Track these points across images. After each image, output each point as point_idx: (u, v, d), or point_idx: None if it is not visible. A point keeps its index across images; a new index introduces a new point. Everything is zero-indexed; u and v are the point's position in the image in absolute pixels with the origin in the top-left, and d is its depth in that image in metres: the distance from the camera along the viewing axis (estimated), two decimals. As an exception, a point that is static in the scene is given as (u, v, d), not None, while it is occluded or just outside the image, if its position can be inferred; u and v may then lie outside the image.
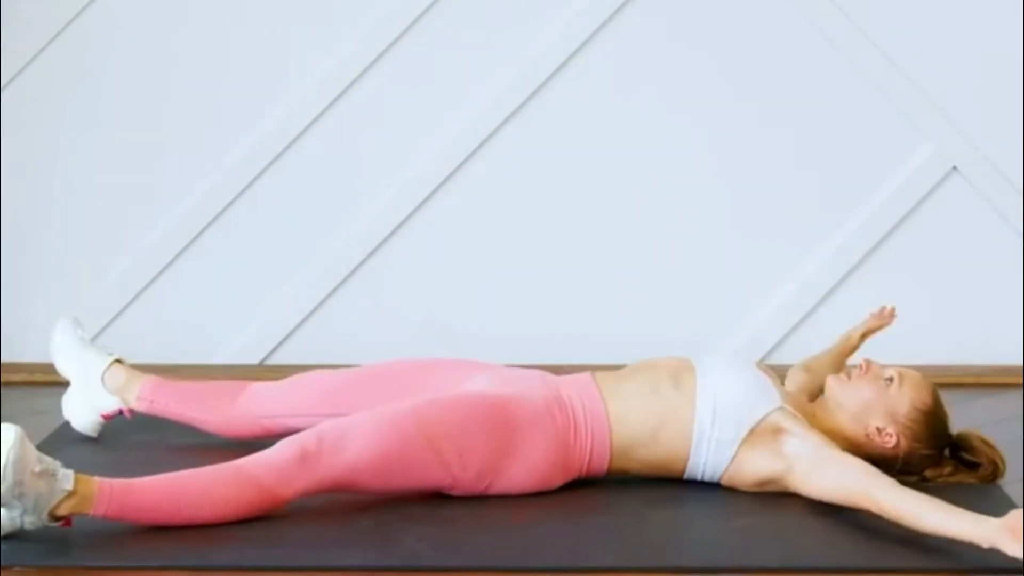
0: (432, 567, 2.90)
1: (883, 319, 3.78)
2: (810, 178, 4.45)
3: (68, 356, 3.63)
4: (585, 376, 3.35)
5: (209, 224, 4.46)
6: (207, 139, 4.44)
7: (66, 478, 2.93)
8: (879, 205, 4.43)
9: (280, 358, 4.47)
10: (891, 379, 3.35)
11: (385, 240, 4.45)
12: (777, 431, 3.21)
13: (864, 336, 3.76)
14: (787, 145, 4.43)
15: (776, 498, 3.25)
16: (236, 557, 2.91)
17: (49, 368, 4.33)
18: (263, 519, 3.07)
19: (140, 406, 3.57)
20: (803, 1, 4.38)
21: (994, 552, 2.91)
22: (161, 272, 4.47)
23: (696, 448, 3.25)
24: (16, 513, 2.92)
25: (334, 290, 4.48)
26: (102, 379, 3.59)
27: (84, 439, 3.62)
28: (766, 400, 3.25)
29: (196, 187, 4.45)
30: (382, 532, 3.05)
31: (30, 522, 2.93)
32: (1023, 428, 3.87)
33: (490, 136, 4.39)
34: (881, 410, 3.32)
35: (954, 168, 4.43)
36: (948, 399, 4.07)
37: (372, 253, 4.47)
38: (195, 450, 3.53)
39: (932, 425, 3.34)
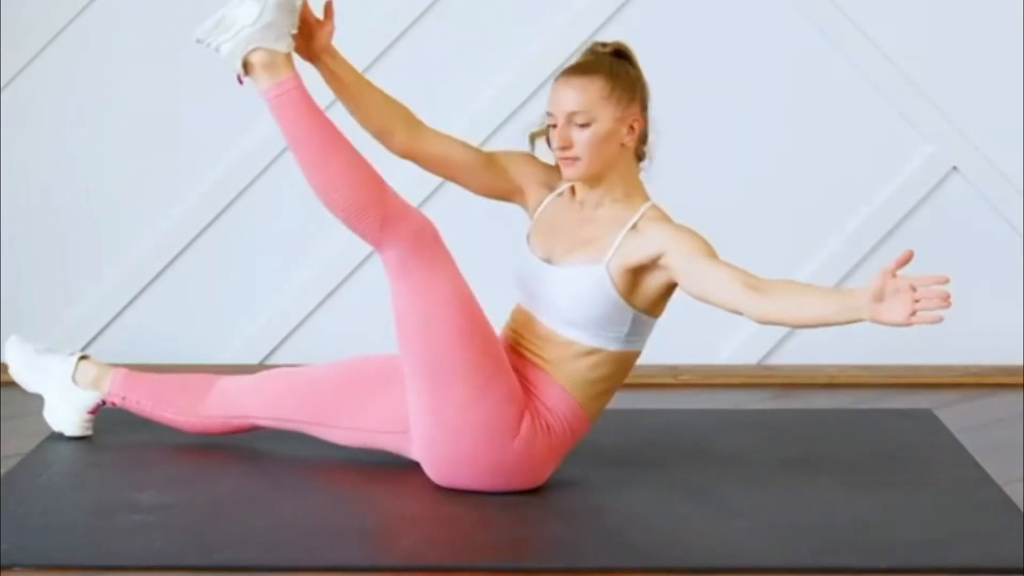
0: (432, 567, 2.90)
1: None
2: (810, 178, 4.45)
3: (31, 370, 3.62)
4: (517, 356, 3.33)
5: (209, 224, 4.46)
6: (207, 138, 4.44)
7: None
8: (879, 205, 4.43)
9: (280, 358, 4.48)
10: (578, 123, 3.24)
11: (385, 240, 4.45)
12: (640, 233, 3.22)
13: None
14: (787, 145, 4.43)
15: (776, 498, 3.25)
16: (236, 557, 2.92)
17: (49, 368, 4.34)
18: (263, 519, 3.07)
19: (113, 402, 3.58)
20: (803, 1, 4.38)
21: (994, 552, 2.91)
22: (161, 272, 4.48)
23: (621, 344, 3.25)
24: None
25: (334, 290, 4.48)
26: (73, 379, 3.59)
27: (82, 439, 3.61)
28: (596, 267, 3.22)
29: (196, 187, 4.46)
30: (382, 532, 3.05)
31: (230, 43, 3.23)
32: (1023, 428, 3.87)
33: (490, 136, 4.40)
34: (608, 128, 3.25)
35: (954, 168, 4.43)
36: (948, 399, 4.09)
37: (372, 253, 4.47)
38: (196, 450, 3.53)
39: (617, 78, 3.28)
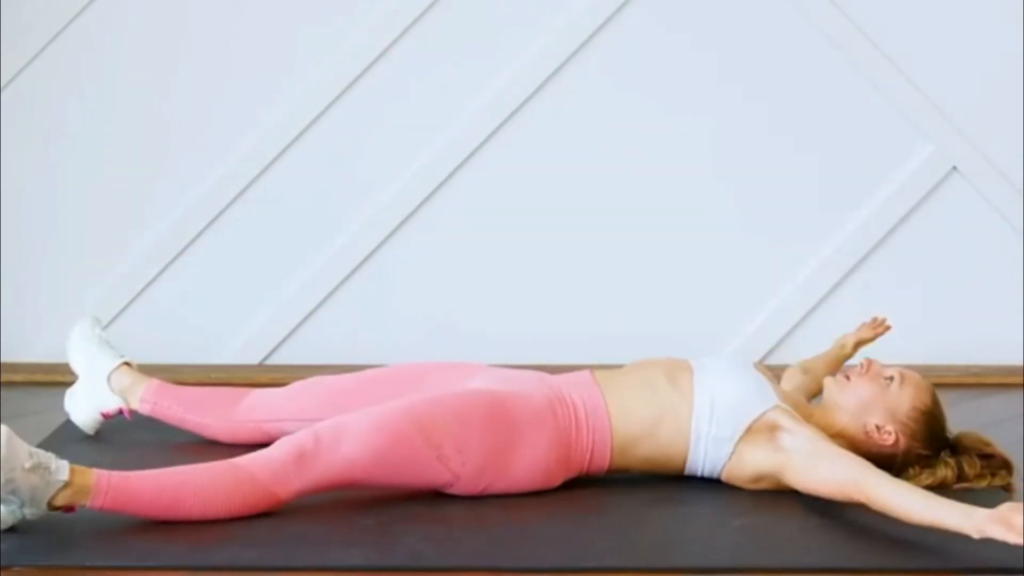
0: (432, 567, 2.90)
1: (876, 329, 3.79)
2: (810, 178, 4.45)
3: (80, 351, 3.65)
4: (585, 374, 3.36)
5: (209, 224, 4.46)
6: (207, 139, 4.44)
7: (60, 469, 2.94)
8: (879, 205, 4.43)
9: (280, 358, 4.48)
10: (891, 378, 3.35)
11: (385, 240, 4.45)
12: (773, 427, 3.22)
13: (857, 345, 3.79)
14: (787, 145, 4.43)
15: (776, 498, 3.25)
16: (236, 557, 2.91)
17: (49, 368, 4.34)
18: (263, 519, 3.07)
19: (143, 408, 3.59)
20: (803, 1, 4.38)
21: (994, 552, 2.91)
22: (161, 272, 4.48)
23: (695, 445, 3.26)
24: (15, 507, 2.93)
25: (334, 290, 4.48)
26: (108, 378, 3.61)
27: (84, 438, 3.62)
28: (763, 398, 3.26)
29: (196, 187, 4.46)
30: (382, 532, 3.05)
31: (31, 513, 2.94)
32: (1023, 428, 3.87)
33: (490, 136, 4.40)
34: (880, 408, 3.32)
35: (954, 168, 4.43)
36: (948, 399, 4.08)
37: (372, 253, 4.47)
38: (195, 450, 3.53)
39: (930, 425, 3.35)
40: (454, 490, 3.22)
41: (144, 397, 3.59)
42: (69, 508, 2.98)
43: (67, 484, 2.95)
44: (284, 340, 4.49)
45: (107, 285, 4.48)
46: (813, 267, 4.44)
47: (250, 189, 4.45)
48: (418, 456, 3.16)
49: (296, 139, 4.42)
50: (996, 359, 4.43)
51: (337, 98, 4.43)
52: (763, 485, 3.26)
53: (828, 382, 3.39)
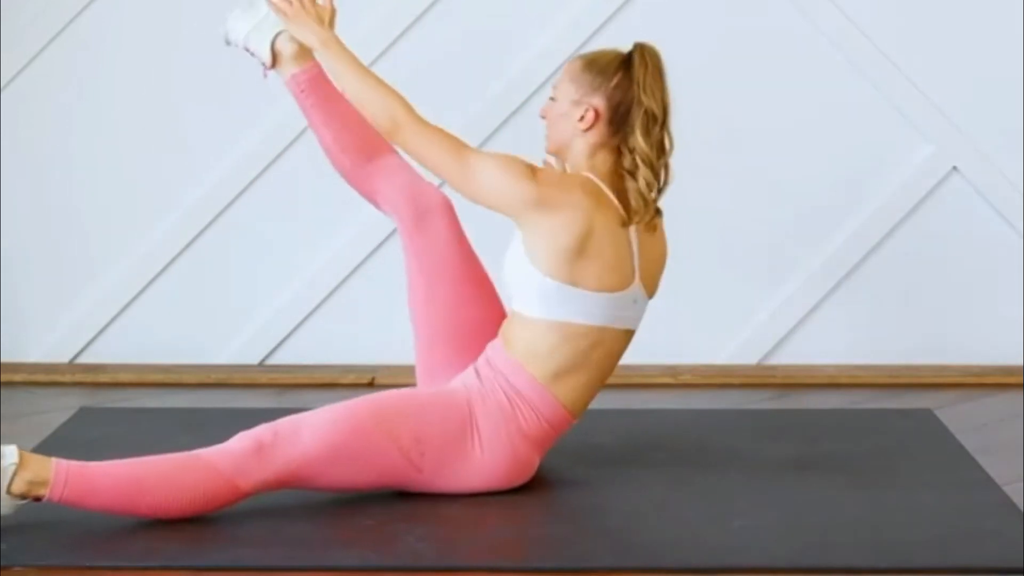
0: (432, 567, 2.90)
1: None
2: (810, 178, 4.45)
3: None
4: (499, 347, 3.32)
5: (209, 224, 4.46)
6: (207, 139, 4.44)
7: (9, 453, 2.95)
8: (879, 205, 4.43)
9: (280, 358, 4.48)
10: (553, 97, 3.32)
11: (385, 240, 4.45)
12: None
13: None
14: (787, 145, 4.43)
15: (776, 498, 3.25)
16: (236, 557, 2.91)
17: (49, 368, 4.35)
18: (263, 519, 3.07)
19: (292, 87, 3.48)
20: (804, 2, 4.38)
21: (994, 552, 2.91)
22: (161, 272, 4.47)
23: (558, 313, 3.24)
24: None
25: (334, 290, 4.48)
26: (272, 31, 3.46)
27: (83, 441, 3.61)
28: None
29: (196, 187, 4.46)
30: (382, 532, 3.05)
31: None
32: (1023, 428, 3.87)
33: (490, 136, 4.40)
34: (569, 114, 3.29)
35: (954, 168, 4.43)
36: (948, 399, 4.09)
37: (372, 253, 4.47)
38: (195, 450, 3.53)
39: (591, 67, 3.31)
40: (421, 488, 3.21)
41: (297, 75, 3.47)
42: (36, 497, 2.97)
43: (22, 467, 2.95)
44: (284, 340, 4.49)
45: (107, 285, 4.48)
46: (813, 267, 4.44)
47: (250, 189, 4.45)
48: (378, 447, 3.16)
49: (296, 139, 4.42)
50: (996, 359, 4.42)
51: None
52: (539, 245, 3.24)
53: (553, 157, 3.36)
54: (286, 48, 3.45)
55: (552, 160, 3.38)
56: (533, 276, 3.23)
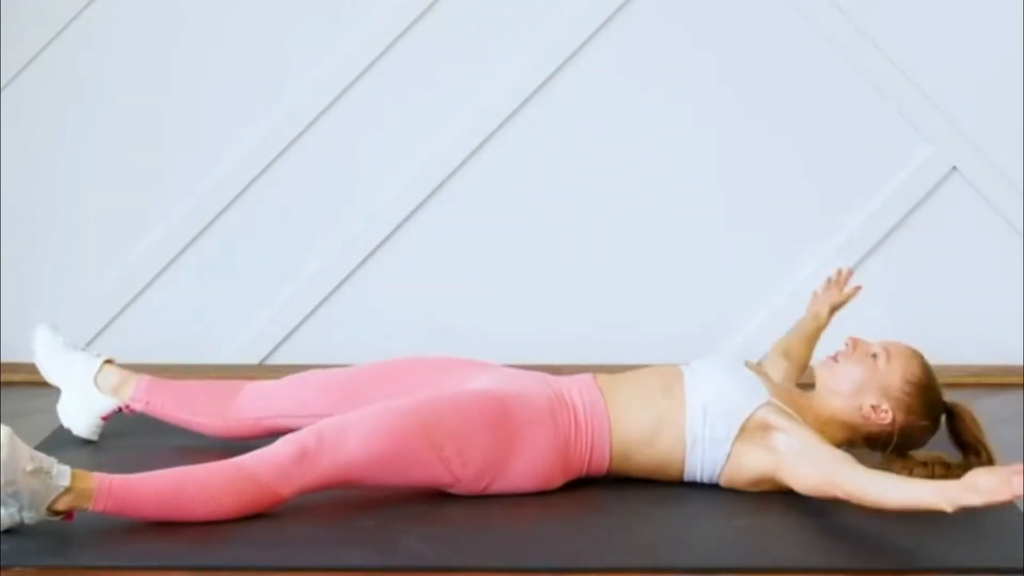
0: (432, 567, 2.90)
1: (844, 287, 3.74)
2: (810, 178, 4.45)
3: (55, 363, 3.59)
4: (587, 377, 3.35)
5: (209, 224, 4.46)
6: (207, 139, 4.44)
7: (61, 475, 2.93)
8: (879, 205, 4.43)
9: (280, 358, 4.47)
10: (877, 355, 3.33)
11: (385, 240, 4.45)
12: (766, 427, 3.22)
13: (833, 311, 3.74)
14: (787, 145, 4.43)
15: (776, 498, 3.25)
16: (236, 557, 2.91)
17: (49, 368, 4.33)
18: (263, 519, 3.07)
19: (135, 406, 3.56)
20: (804, 2, 4.38)
21: (994, 552, 2.91)
22: (161, 272, 4.48)
23: (691, 449, 3.26)
24: (14, 510, 2.92)
25: (334, 290, 4.48)
26: (95, 381, 3.57)
27: (83, 442, 3.61)
28: (754, 396, 3.26)
29: (196, 187, 4.46)
30: (382, 532, 3.05)
31: (29, 517, 2.93)
32: (1023, 428, 3.86)
33: (490, 137, 4.40)
34: (873, 387, 3.30)
35: (954, 168, 4.43)
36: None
37: (372, 253, 4.47)
38: (196, 451, 3.53)
39: (925, 395, 3.33)
40: (454, 490, 3.22)
41: (135, 395, 3.55)
42: (68, 515, 2.96)
43: (68, 489, 2.94)
44: (284, 340, 4.49)
45: (107, 285, 4.48)
46: (813, 267, 4.44)
47: (250, 189, 4.45)
48: (420, 457, 3.16)
49: (296, 139, 4.42)
50: (996, 359, 4.42)
51: (338, 97, 4.43)
52: (763, 487, 3.26)
53: (818, 368, 3.37)
54: (107, 383, 3.54)
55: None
56: (720, 449, 3.26)
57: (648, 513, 3.18)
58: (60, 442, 3.58)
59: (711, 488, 3.30)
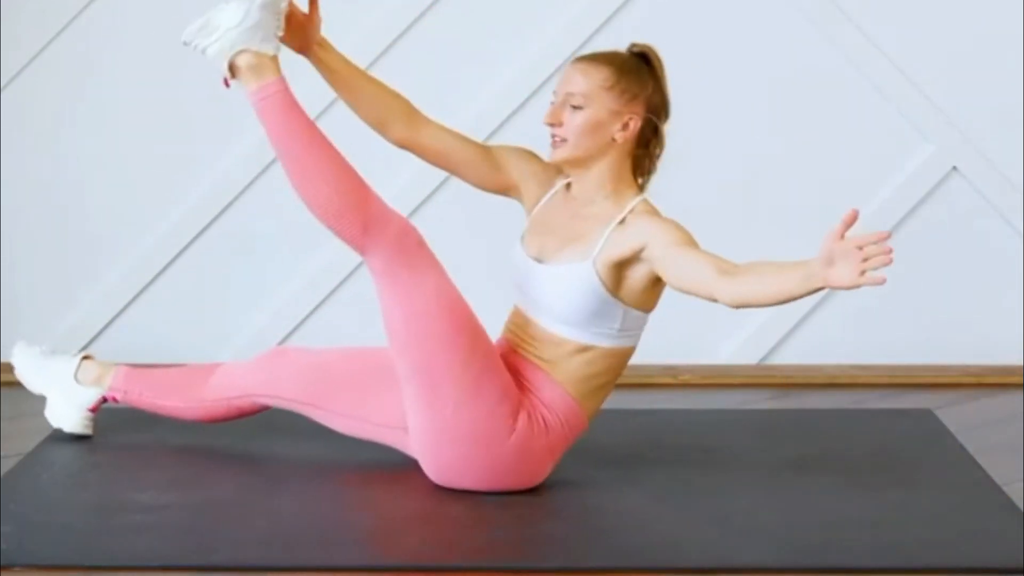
0: (432, 567, 2.90)
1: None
2: (810, 178, 4.45)
3: (35, 373, 3.63)
4: (521, 358, 3.32)
5: (209, 224, 4.46)
6: (207, 139, 4.44)
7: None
8: (879, 205, 4.43)
9: (280, 358, 4.47)
10: (573, 105, 3.24)
11: (385, 240, 4.45)
12: (621, 255, 3.20)
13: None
14: (787, 145, 4.43)
15: (775, 498, 3.25)
16: (236, 557, 2.92)
17: (49, 368, 4.33)
18: (262, 519, 3.07)
19: (116, 396, 3.59)
20: (804, 2, 4.38)
21: (994, 552, 2.91)
22: (161, 272, 4.48)
23: (614, 340, 3.25)
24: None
25: (334, 290, 4.48)
26: (75, 378, 3.59)
27: (82, 439, 3.62)
28: (585, 257, 3.21)
29: (196, 187, 4.46)
30: (382, 532, 3.05)
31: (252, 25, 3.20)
32: (1023, 428, 3.87)
33: (490, 136, 4.39)
34: (596, 118, 3.23)
35: (954, 168, 4.43)
36: (948, 399, 4.09)
37: (372, 253, 4.47)
38: (195, 450, 3.53)
39: (624, 74, 3.25)
40: (429, 443, 3.22)
41: (113, 385, 3.58)
42: (226, 82, 3.23)
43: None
44: (284, 340, 4.49)
45: (107, 285, 4.48)
46: (813, 267, 4.44)
47: (250, 189, 4.45)
48: (437, 352, 3.19)
49: (296, 139, 4.42)
50: (996, 359, 4.42)
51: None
52: (635, 275, 3.22)
53: (555, 158, 3.28)
54: (87, 376, 3.60)
55: (573, 184, 3.33)
56: (615, 308, 3.23)
57: (648, 513, 3.19)
58: (60, 442, 3.59)
59: (711, 488, 3.30)
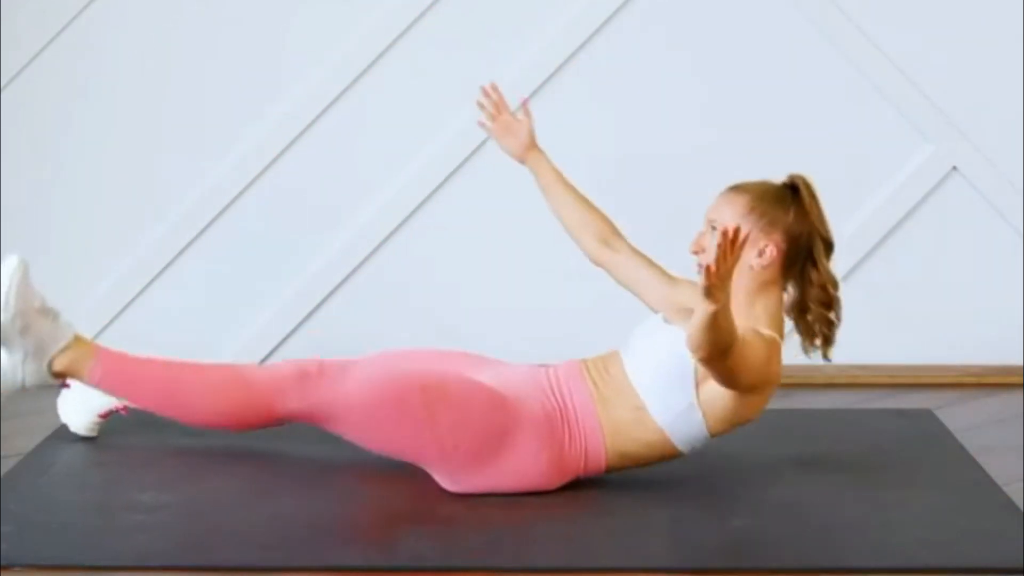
0: (432, 567, 2.90)
1: (502, 107, 3.60)
2: (810, 178, 4.45)
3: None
4: (576, 367, 3.32)
5: (209, 224, 4.46)
6: (207, 139, 4.44)
7: (68, 325, 2.95)
8: (879, 205, 4.43)
9: (280, 358, 4.47)
10: (713, 226, 3.27)
11: (385, 240, 4.45)
12: None
13: (533, 145, 3.61)
14: (787, 145, 4.43)
15: (774, 498, 3.25)
16: (236, 557, 2.92)
17: (49, 368, 4.33)
18: (262, 518, 3.07)
19: (126, 408, 3.56)
20: (804, 2, 4.38)
21: (994, 552, 2.91)
22: (161, 272, 4.47)
23: (672, 428, 3.24)
24: (19, 357, 2.90)
25: (334, 290, 4.48)
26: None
27: (84, 439, 3.62)
28: (684, 350, 3.21)
29: (196, 187, 4.46)
30: (382, 532, 3.05)
31: (32, 371, 2.92)
32: (1023, 428, 3.87)
33: (488, 137, 4.39)
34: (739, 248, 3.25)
35: (954, 168, 4.43)
36: (948, 399, 4.09)
37: (372, 253, 4.47)
38: (196, 453, 3.53)
39: (763, 203, 3.30)
40: (435, 470, 3.20)
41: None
42: (64, 381, 2.95)
43: (69, 346, 2.95)
44: (284, 340, 4.49)
45: (107, 285, 4.47)
46: (813, 267, 4.44)
47: (250, 189, 4.45)
48: (414, 419, 3.15)
49: (296, 139, 4.42)
50: (996, 359, 4.42)
51: (338, 97, 4.43)
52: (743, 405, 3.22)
53: (696, 284, 3.26)
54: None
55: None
56: (686, 394, 3.24)
57: (647, 513, 3.19)
58: (60, 442, 3.59)
59: (711, 488, 3.30)
